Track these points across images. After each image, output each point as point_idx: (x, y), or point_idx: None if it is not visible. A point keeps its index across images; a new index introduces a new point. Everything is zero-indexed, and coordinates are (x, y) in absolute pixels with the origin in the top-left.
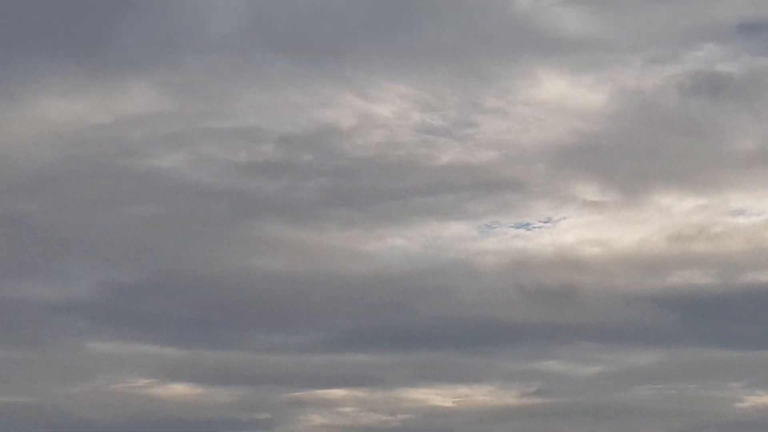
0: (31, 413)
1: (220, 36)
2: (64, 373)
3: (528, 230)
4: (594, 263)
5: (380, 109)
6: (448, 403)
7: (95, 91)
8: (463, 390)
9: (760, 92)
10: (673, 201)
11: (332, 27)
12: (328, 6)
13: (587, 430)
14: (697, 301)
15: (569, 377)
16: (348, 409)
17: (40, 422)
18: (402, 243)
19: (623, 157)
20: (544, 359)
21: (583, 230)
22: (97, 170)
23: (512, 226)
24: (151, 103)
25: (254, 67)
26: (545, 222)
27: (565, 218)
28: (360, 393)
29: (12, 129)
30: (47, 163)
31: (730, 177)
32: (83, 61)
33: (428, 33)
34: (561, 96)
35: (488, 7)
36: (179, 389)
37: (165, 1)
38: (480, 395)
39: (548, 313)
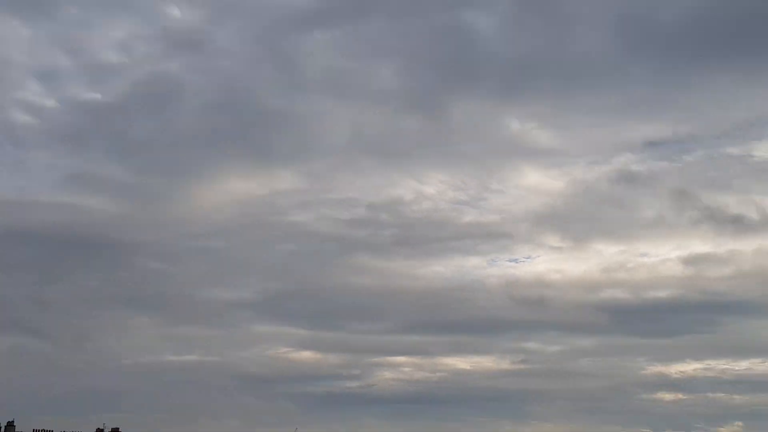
0: (219, 368)
1: (332, 143)
2: (238, 344)
3: (516, 263)
4: (556, 284)
5: (428, 189)
6: (468, 366)
7: (259, 174)
8: (477, 359)
9: (658, 183)
10: (605, 247)
11: (400, 140)
12: (398, 126)
13: (552, 384)
14: (619, 308)
15: (541, 353)
16: (406, 369)
17: (224, 374)
18: (441, 269)
19: (574, 220)
20: (526, 341)
21: (549, 264)
22: (258, 222)
23: (507, 261)
24: (291, 182)
25: (352, 162)
26: (527, 258)
27: (539, 256)
28: (414, 359)
29: (208, 197)
30: (228, 218)
31: (639, 233)
32: (251, 157)
33: (457, 145)
34: (537, 183)
35: (493, 129)
36: (306, 355)
37: (298, 122)
38: (487, 362)
39: (528, 313)
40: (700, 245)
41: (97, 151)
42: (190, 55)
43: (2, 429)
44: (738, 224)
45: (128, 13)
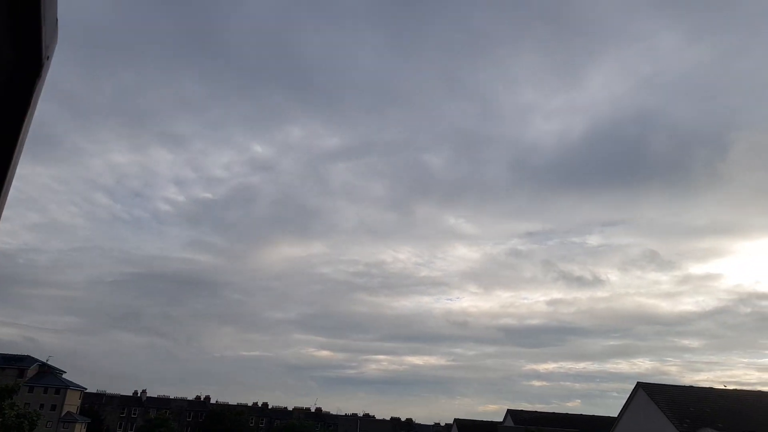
0: (271, 360)
1: (345, 227)
2: (284, 345)
3: (451, 301)
4: (474, 314)
5: (401, 255)
6: (421, 362)
7: (301, 244)
8: (426, 357)
9: (533, 257)
10: (502, 293)
11: (384, 227)
12: (384, 219)
13: (470, 374)
14: (510, 330)
15: (464, 355)
16: (384, 363)
17: (274, 363)
18: (407, 303)
19: (485, 277)
20: (455, 348)
21: (470, 302)
22: (299, 272)
23: (445, 299)
24: (320, 249)
25: (357, 239)
26: (457, 298)
27: (464, 297)
28: (389, 357)
29: (270, 256)
30: (282, 269)
31: (522, 285)
32: (297, 233)
33: (418, 231)
34: (464, 254)
35: (438, 223)
36: (324, 353)
37: (326, 214)
38: (432, 360)
39: (457, 331)
40: (557, 294)
41: (206, 228)
42: (264, 174)
43: (139, 394)
44: (579, 282)
45: (230, 148)
